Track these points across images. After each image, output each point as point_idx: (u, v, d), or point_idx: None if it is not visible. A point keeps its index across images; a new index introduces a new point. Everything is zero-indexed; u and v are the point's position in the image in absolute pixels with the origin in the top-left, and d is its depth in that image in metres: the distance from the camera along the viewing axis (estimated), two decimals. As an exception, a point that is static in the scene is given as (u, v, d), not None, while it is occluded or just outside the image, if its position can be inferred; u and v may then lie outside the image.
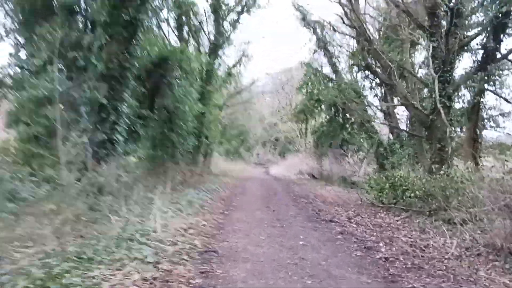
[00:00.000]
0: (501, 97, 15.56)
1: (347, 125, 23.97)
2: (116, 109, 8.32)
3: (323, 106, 23.58)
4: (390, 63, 14.85)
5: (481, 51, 13.58)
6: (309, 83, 22.56)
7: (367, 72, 23.40)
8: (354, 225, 8.32)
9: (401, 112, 23.13)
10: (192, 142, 18.80)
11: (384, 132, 24.20)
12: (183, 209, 8.75)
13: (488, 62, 12.78)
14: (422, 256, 5.79)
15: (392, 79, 15.03)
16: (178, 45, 17.75)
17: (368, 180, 11.81)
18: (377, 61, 16.70)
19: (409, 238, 7.18)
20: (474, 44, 15.01)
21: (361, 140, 22.15)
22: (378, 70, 16.69)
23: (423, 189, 9.92)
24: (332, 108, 20.97)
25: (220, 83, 25.29)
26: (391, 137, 21.84)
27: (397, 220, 9.07)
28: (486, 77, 12.90)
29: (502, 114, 17.37)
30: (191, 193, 12.13)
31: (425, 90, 18.49)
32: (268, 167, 39.18)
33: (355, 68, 23.05)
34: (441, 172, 9.98)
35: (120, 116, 8.44)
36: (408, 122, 20.53)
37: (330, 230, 7.64)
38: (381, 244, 6.56)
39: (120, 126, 8.53)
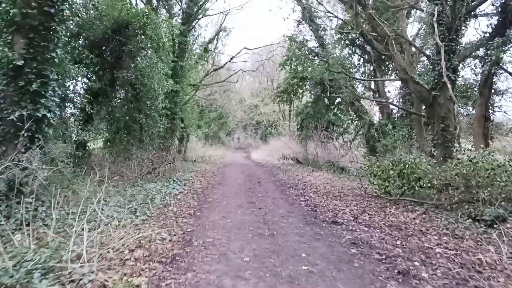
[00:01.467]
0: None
1: (333, 106, 21.97)
2: (40, 74, 5.85)
3: (308, 85, 21.41)
4: (387, 31, 12.74)
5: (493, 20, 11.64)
6: (293, 59, 20.28)
7: (354, 48, 21.44)
8: (365, 228, 6.25)
9: (392, 91, 21.29)
10: (163, 124, 16.46)
11: (372, 113, 22.34)
12: (139, 211, 6.49)
13: (507, 26, 10.87)
14: (493, 290, 3.75)
15: (389, 49, 12.93)
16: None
17: (370, 166, 9.77)
18: (371, 29, 14.53)
19: (447, 248, 5.15)
20: (484, 7, 13.10)
21: (349, 121, 20.17)
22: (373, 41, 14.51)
23: (439, 177, 7.97)
24: (319, 86, 18.79)
25: (195, 60, 22.72)
26: (379, 118, 19.98)
27: (414, 218, 7.06)
28: (502, 44, 10.97)
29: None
30: (158, 186, 9.84)
31: (425, 63, 16.64)
32: (249, 152, 36.98)
33: (342, 43, 20.96)
34: (453, 156, 8.06)
35: (47, 84, 5.99)
36: (401, 100, 18.64)
37: (337, 239, 5.53)
38: (416, 263, 4.50)
39: (48, 100, 6.08)
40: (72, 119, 12.22)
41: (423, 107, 14.80)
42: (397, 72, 13.27)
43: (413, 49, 14.97)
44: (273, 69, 33.04)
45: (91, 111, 12.42)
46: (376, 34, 13.66)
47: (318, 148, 21.47)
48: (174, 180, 11.44)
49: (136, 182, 10.30)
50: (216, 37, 23.71)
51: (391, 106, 19.52)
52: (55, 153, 6.42)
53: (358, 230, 6.06)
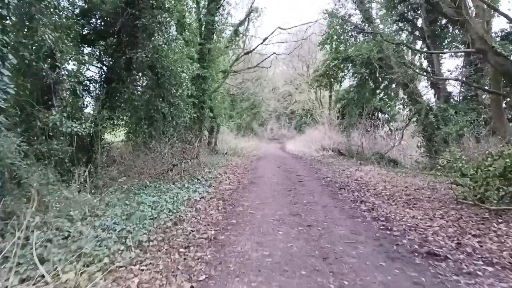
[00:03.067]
0: None
1: (379, 90, 19.11)
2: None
3: (350, 67, 18.64)
4: (460, -9, 9.93)
5: None
6: (334, 37, 17.57)
7: (403, 24, 18.43)
8: (486, 267, 3.79)
9: (450, 70, 18.09)
10: (189, 114, 14.45)
11: (425, 97, 19.30)
12: (135, 234, 4.36)
13: None
14: None
15: (461, 13, 10.15)
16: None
17: (453, 161, 7.15)
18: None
19: None
20: None
21: (401, 106, 17.29)
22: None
23: None
24: (364, 67, 16.03)
25: (224, 43, 20.51)
26: (436, 102, 16.99)
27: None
28: None
29: None
30: (176, 189, 7.75)
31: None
32: (283, 143, 34.59)
33: (390, 19, 18.01)
34: None
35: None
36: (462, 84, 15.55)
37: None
38: None
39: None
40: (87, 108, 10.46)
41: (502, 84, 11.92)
42: (470, 41, 10.40)
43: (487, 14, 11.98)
44: (308, 53, 30.32)
45: (105, 100, 10.59)
46: (443, -5, 10.84)
47: (363, 138, 18.79)
48: (198, 179, 9.33)
49: (152, 183, 8.27)
50: (247, 18, 21.32)
51: (450, 89, 16.49)
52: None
53: (480, 273, 3.62)
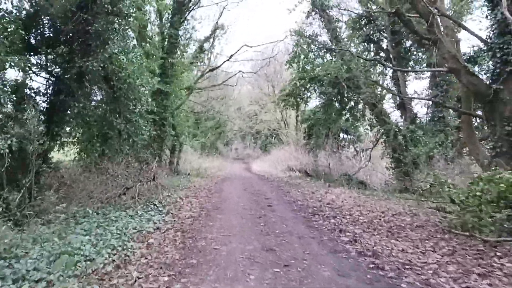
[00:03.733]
0: None
1: (345, 110, 18.77)
2: None
3: (316, 87, 18.23)
4: (430, 9, 9.69)
5: None
6: (301, 56, 17.14)
7: (368, 45, 18.42)
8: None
9: (416, 90, 18.10)
10: (148, 131, 13.28)
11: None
12: (62, 280, 3.22)
13: None
14: None
15: (434, 31, 9.92)
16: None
17: (440, 185, 6.49)
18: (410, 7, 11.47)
19: None
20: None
21: (368, 127, 16.95)
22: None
23: None
24: (332, 87, 15.58)
25: (189, 59, 19.59)
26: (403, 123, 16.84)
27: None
28: None
29: None
30: (127, 217, 6.57)
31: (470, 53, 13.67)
32: (248, 163, 33.69)
33: (355, 39, 17.94)
34: None
35: None
36: (429, 105, 15.48)
37: None
38: None
39: None
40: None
41: (473, 105, 11.75)
42: (441, 61, 10.12)
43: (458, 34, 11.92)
44: (274, 73, 29.97)
45: (51, 114, 9.37)
46: (415, 12, 10.59)
47: (330, 158, 18.28)
48: (155, 205, 8.15)
49: (101, 209, 7.05)
50: (213, 35, 20.60)
51: (416, 109, 16.41)
52: None
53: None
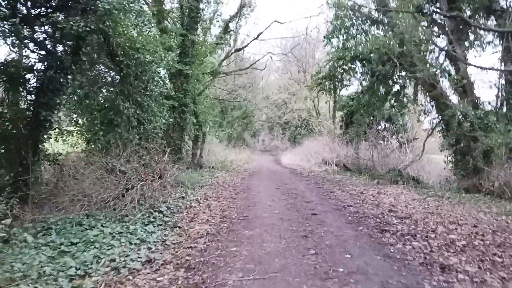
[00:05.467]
0: None
1: (390, 95, 15.93)
2: None
3: (359, 68, 15.52)
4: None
5: None
6: (341, 30, 14.49)
7: (419, 18, 15.45)
8: None
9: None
10: (164, 118, 11.23)
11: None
12: None
13: None
14: None
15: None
16: None
17: None
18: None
19: None
20: None
21: (421, 113, 14.11)
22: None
23: None
24: (381, 65, 12.90)
25: (213, 41, 17.33)
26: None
27: None
28: None
29: None
30: (113, 236, 4.39)
31: None
32: (277, 155, 31.31)
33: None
34: None
35: None
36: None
37: None
38: None
39: None
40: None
41: None
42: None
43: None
44: (306, 57, 27.23)
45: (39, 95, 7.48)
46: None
47: (373, 151, 15.63)
48: (161, 211, 5.95)
49: (87, 219, 4.95)
50: (239, 13, 18.20)
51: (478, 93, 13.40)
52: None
53: None
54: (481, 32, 14.37)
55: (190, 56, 13.43)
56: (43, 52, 7.90)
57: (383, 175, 13.65)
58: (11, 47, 7.84)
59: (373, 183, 12.00)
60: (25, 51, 8.16)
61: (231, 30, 18.44)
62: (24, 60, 8.08)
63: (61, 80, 7.79)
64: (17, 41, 7.78)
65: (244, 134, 35.70)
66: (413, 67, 12.29)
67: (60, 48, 8.10)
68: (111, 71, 9.66)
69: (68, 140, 9.19)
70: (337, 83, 16.92)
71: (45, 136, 7.70)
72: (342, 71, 16.06)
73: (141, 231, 4.69)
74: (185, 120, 13.61)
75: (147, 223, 5.31)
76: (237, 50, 18.48)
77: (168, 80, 13.27)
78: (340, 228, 5.54)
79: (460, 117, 11.60)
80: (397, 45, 12.19)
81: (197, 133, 15.94)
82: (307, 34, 20.59)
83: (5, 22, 7.41)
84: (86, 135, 9.47)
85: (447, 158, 12.74)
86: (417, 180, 13.03)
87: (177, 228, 5.08)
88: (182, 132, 13.90)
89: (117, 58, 8.70)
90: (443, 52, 14.84)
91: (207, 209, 6.57)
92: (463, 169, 11.55)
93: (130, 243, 4.18)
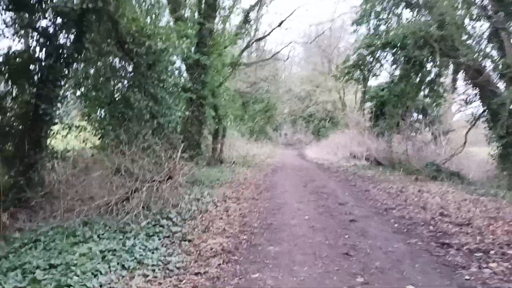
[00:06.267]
0: None
1: (424, 84, 14.39)
2: None
3: (390, 54, 14.11)
4: None
5: None
6: (372, 14, 13.15)
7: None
8: None
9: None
10: (180, 111, 10.38)
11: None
12: None
13: None
14: None
15: None
16: None
17: None
18: None
19: None
20: None
21: (463, 102, 12.61)
22: None
23: None
24: (418, 49, 11.49)
25: (233, 32, 16.27)
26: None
27: None
28: None
29: None
30: (105, 254, 3.43)
31: None
32: (300, 149, 30.08)
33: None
34: None
35: None
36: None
37: None
38: None
39: None
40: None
41: None
42: None
43: None
44: (330, 46, 25.76)
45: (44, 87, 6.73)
46: None
47: (407, 144, 14.24)
48: (170, 218, 4.98)
49: (83, 227, 4.08)
50: (259, 2, 17.06)
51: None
52: None
53: None
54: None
55: (208, 46, 12.46)
56: (44, 40, 7.12)
57: (420, 170, 12.30)
58: (14, 37, 7.11)
59: (411, 179, 10.72)
60: (31, 41, 7.46)
61: (251, 20, 17.30)
62: (26, 50, 7.37)
63: (63, 70, 7.01)
64: (20, 30, 7.10)
65: (266, 128, 34.51)
66: (455, 51, 10.85)
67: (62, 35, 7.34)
68: (121, 61, 8.76)
69: (80, 135, 8.40)
70: (366, 72, 15.56)
71: (47, 132, 6.97)
72: (372, 59, 14.72)
73: (140, 248, 3.73)
74: (203, 113, 12.67)
75: (151, 234, 4.37)
76: (258, 40, 17.32)
77: (185, 71, 12.38)
78: (388, 240, 4.41)
79: (510, 106, 10.11)
80: (436, 27, 10.75)
81: (217, 127, 14.99)
82: (332, 20, 19.07)
83: (6, 11, 6.73)
84: (96, 131, 8.64)
85: (493, 151, 11.28)
86: (458, 175, 11.61)
87: (187, 242, 4.09)
88: (201, 126, 12.97)
89: (127, 46, 7.84)
90: (485, 37, 13.21)
91: (224, 214, 5.56)
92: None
93: (123, 267, 3.22)
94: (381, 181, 10.29)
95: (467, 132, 12.45)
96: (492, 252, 3.98)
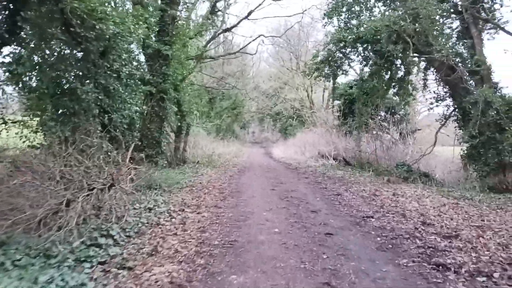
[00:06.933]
0: None
1: (394, 81, 14.04)
2: None
3: (360, 50, 13.63)
4: None
5: None
6: (344, 7, 12.60)
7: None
8: None
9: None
10: (135, 105, 9.34)
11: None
12: None
13: None
14: None
15: None
16: None
17: None
18: None
19: None
20: None
21: (434, 100, 12.30)
22: None
23: None
24: (392, 43, 11.03)
25: (198, 20, 15.25)
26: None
27: None
28: None
29: None
30: None
31: None
32: (267, 147, 29.45)
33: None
34: None
35: None
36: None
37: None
38: None
39: None
40: None
41: None
42: None
43: None
44: (299, 43, 25.26)
45: None
46: None
47: (376, 143, 13.87)
48: (111, 236, 4.00)
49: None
50: (227, -7, 16.11)
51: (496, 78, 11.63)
52: None
53: None
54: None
55: (170, 34, 11.36)
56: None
57: (389, 171, 11.92)
58: None
59: (382, 181, 10.24)
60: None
61: (219, 10, 16.33)
62: None
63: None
64: None
65: (234, 125, 33.65)
66: (429, 47, 10.47)
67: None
68: (68, 47, 7.56)
69: (22, 133, 7.19)
70: (335, 68, 15.01)
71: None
72: (341, 55, 14.17)
73: (58, 285, 2.76)
74: (164, 109, 11.55)
75: (83, 258, 3.40)
76: (226, 30, 16.31)
77: (144, 62, 11.25)
78: (374, 261, 3.68)
79: (486, 104, 9.82)
80: (410, 21, 10.30)
81: (180, 124, 13.91)
82: (304, 11, 18.41)
83: None
84: (37, 127, 7.43)
85: (463, 152, 11.05)
86: (428, 176, 11.32)
87: (125, 272, 3.15)
88: (162, 123, 11.83)
89: (73, 30, 6.70)
90: (455, 33, 13.00)
91: (180, 228, 4.63)
92: (485, 164, 9.84)
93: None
94: (352, 182, 9.71)
95: (437, 132, 12.16)
96: (496, 275, 3.35)
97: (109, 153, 5.19)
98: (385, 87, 13.78)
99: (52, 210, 4.29)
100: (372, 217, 5.72)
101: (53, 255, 3.49)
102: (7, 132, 7.02)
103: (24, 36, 6.63)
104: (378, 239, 4.56)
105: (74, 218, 4.09)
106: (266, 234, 4.57)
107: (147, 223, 4.69)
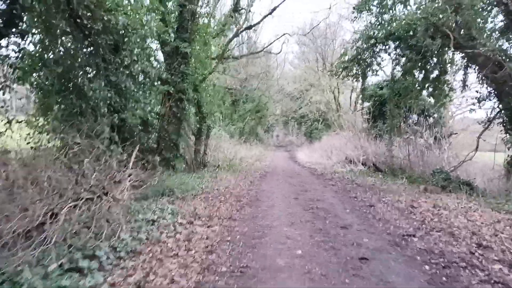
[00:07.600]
0: None
1: (429, 82, 12.80)
2: None
3: (392, 48, 12.53)
4: None
5: None
6: (374, 0, 11.60)
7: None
8: None
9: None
10: (149, 105, 8.66)
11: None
12: None
13: None
14: None
15: None
16: None
17: None
18: None
19: None
20: None
21: (480, 101, 11.03)
22: None
23: None
24: (430, 38, 9.94)
25: (220, 18, 14.60)
26: None
27: None
28: None
29: None
30: None
31: None
32: (292, 151, 28.50)
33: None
34: None
35: None
36: None
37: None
38: None
39: None
40: None
41: None
42: None
43: None
44: (325, 43, 24.21)
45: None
46: None
47: (409, 148, 12.69)
48: (96, 256, 3.28)
49: None
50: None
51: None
52: None
53: None
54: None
55: (189, 31, 10.71)
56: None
57: (424, 178, 10.77)
58: None
59: (418, 190, 9.12)
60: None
61: (242, 8, 15.61)
62: None
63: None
64: None
65: (257, 128, 32.85)
66: (472, 41, 9.31)
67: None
68: (76, 40, 6.97)
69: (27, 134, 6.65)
70: (365, 68, 13.94)
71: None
72: (371, 53, 13.13)
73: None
74: (183, 110, 10.89)
75: (54, 289, 2.66)
76: (249, 28, 15.57)
77: (162, 59, 10.69)
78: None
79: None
80: (451, 12, 9.17)
81: (200, 126, 13.23)
82: (330, 8, 17.43)
83: None
84: (42, 127, 6.84)
85: (509, 158, 9.79)
86: (470, 185, 10.07)
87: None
88: (180, 124, 11.17)
89: (79, 21, 6.13)
90: (498, 28, 11.67)
91: (183, 247, 3.85)
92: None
93: None
94: (385, 191, 8.67)
95: (479, 136, 10.88)
96: None
97: (106, 158, 4.48)
98: (418, 88, 12.64)
99: (31, 224, 3.62)
100: (414, 235, 4.75)
101: (21, 281, 2.80)
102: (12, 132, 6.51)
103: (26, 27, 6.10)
104: (427, 267, 3.60)
105: (54, 233, 3.40)
106: (286, 257, 3.71)
107: (146, 239, 3.94)
